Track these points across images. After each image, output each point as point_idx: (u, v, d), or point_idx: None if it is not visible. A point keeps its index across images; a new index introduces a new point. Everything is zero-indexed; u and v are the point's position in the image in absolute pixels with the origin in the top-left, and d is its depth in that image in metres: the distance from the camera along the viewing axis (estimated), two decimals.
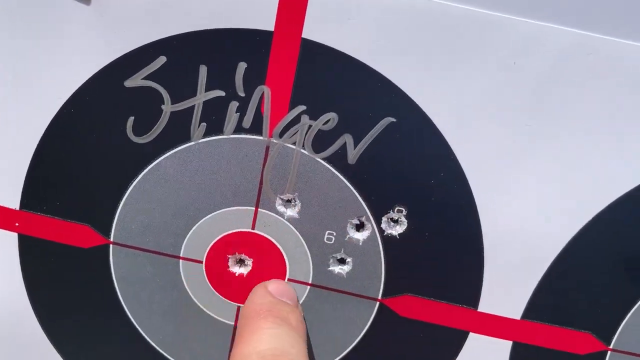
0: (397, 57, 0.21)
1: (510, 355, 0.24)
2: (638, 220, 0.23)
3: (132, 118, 0.23)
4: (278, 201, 0.24)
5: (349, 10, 0.21)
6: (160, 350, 0.26)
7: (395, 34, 0.21)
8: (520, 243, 0.23)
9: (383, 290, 0.24)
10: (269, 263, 0.24)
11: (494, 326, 0.24)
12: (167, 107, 0.22)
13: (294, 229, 0.24)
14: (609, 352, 0.24)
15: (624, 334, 0.24)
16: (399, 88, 0.22)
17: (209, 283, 0.25)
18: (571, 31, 0.21)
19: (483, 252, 0.23)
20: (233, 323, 0.25)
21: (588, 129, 0.22)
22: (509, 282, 0.24)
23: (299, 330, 0.22)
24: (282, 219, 0.24)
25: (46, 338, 0.26)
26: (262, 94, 0.22)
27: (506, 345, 0.24)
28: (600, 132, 0.22)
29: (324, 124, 0.22)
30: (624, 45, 0.21)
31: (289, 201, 0.24)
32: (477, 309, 0.24)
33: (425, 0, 0.21)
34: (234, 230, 0.24)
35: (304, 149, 0.23)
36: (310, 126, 0.22)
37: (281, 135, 0.23)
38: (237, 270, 0.25)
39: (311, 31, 0.21)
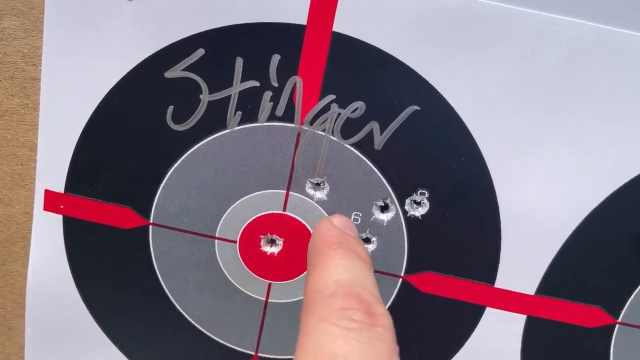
0: (421, 49, 0.23)
1: (524, 328, 0.26)
2: None
3: (171, 107, 0.24)
4: (308, 184, 0.25)
5: (376, 5, 0.22)
6: (196, 325, 0.27)
7: (420, 28, 0.22)
8: (536, 223, 0.25)
9: (406, 267, 0.26)
10: (299, 243, 0.26)
11: (510, 301, 0.26)
12: (205, 97, 0.24)
13: (322, 210, 0.25)
14: (617, 326, 0.26)
15: (632, 308, 0.25)
16: (423, 78, 0.23)
17: (242, 262, 0.26)
18: (585, 24, 0.22)
19: (500, 232, 0.25)
20: (264, 299, 0.27)
21: (600, 116, 0.23)
22: (524, 260, 0.25)
23: (368, 262, 0.22)
24: (311, 201, 0.25)
25: (89, 314, 0.28)
26: (295, 84, 0.24)
27: (520, 319, 0.26)
28: (611, 120, 0.23)
29: (352, 112, 0.24)
30: (635, 37, 0.22)
31: (318, 184, 0.25)
32: (494, 285, 0.26)
33: None
34: (266, 212, 0.26)
35: (333, 135, 0.24)
36: (339, 114, 0.24)
37: (312, 122, 0.24)
38: (269, 249, 0.26)
39: (341, 25, 0.23)
